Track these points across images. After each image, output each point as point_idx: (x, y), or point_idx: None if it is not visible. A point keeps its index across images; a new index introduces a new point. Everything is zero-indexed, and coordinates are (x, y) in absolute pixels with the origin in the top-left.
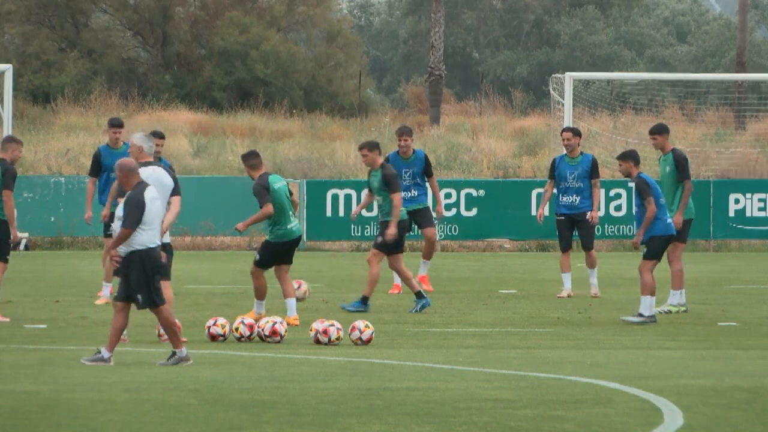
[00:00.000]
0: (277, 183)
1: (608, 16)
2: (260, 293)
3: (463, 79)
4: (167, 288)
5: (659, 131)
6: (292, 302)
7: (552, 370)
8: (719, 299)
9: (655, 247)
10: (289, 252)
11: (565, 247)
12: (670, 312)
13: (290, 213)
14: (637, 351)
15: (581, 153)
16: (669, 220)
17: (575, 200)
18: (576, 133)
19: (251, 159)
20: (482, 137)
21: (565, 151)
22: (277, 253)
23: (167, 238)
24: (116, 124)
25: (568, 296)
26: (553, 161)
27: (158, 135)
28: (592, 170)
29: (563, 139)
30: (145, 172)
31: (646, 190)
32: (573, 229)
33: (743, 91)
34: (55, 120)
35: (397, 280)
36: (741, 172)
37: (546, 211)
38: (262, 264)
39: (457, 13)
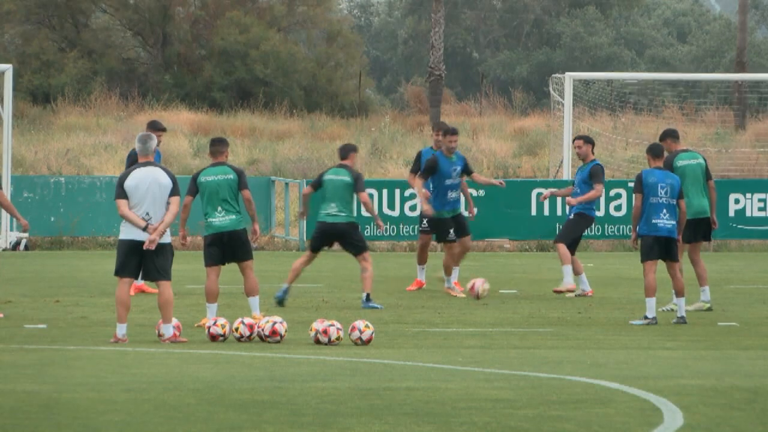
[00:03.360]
0: (208, 177)
1: (608, 16)
2: (209, 296)
3: (463, 79)
4: (167, 288)
5: (661, 137)
6: (252, 301)
7: (552, 370)
8: (719, 299)
9: (641, 248)
10: (221, 248)
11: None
12: (701, 309)
13: (219, 207)
14: (637, 351)
15: (592, 160)
16: (655, 221)
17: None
18: (587, 140)
19: (210, 146)
20: (482, 137)
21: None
22: (210, 249)
23: (167, 239)
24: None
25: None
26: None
27: (158, 127)
28: (591, 177)
29: (574, 146)
30: (141, 172)
31: (635, 185)
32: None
33: (743, 91)
34: (55, 120)
35: (421, 276)
36: (741, 172)
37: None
38: (205, 261)
39: (457, 13)
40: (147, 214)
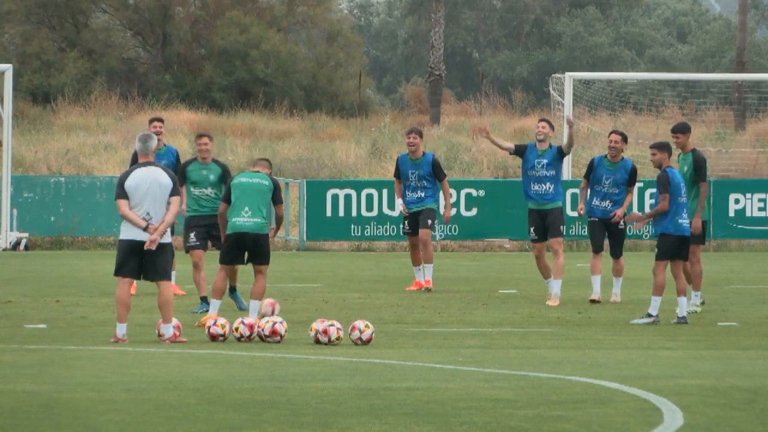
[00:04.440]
0: (243, 178)
1: (608, 16)
2: (215, 292)
3: (463, 79)
4: (167, 288)
5: (681, 130)
6: (254, 304)
7: (552, 370)
8: (719, 299)
9: (662, 246)
10: (240, 248)
11: (596, 249)
12: (696, 312)
13: (246, 208)
14: (637, 351)
15: (622, 158)
16: (681, 221)
17: (607, 205)
18: (625, 138)
19: (255, 160)
20: (482, 137)
21: (606, 153)
22: (229, 247)
23: (168, 239)
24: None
25: (596, 301)
26: (591, 161)
27: (157, 118)
28: (630, 179)
29: (610, 141)
30: (141, 172)
31: (664, 185)
32: (605, 232)
33: (743, 91)
34: (55, 120)
35: (419, 277)
36: (741, 172)
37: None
38: (221, 258)
39: (457, 13)
40: (147, 214)
